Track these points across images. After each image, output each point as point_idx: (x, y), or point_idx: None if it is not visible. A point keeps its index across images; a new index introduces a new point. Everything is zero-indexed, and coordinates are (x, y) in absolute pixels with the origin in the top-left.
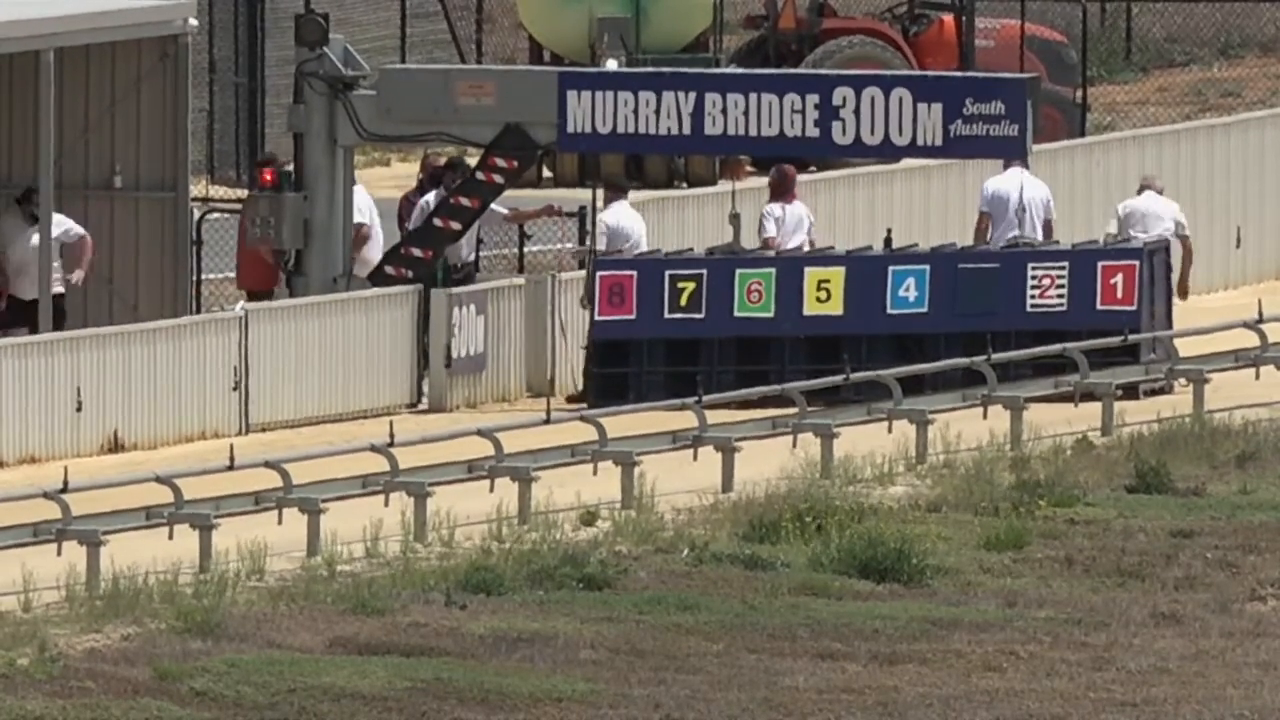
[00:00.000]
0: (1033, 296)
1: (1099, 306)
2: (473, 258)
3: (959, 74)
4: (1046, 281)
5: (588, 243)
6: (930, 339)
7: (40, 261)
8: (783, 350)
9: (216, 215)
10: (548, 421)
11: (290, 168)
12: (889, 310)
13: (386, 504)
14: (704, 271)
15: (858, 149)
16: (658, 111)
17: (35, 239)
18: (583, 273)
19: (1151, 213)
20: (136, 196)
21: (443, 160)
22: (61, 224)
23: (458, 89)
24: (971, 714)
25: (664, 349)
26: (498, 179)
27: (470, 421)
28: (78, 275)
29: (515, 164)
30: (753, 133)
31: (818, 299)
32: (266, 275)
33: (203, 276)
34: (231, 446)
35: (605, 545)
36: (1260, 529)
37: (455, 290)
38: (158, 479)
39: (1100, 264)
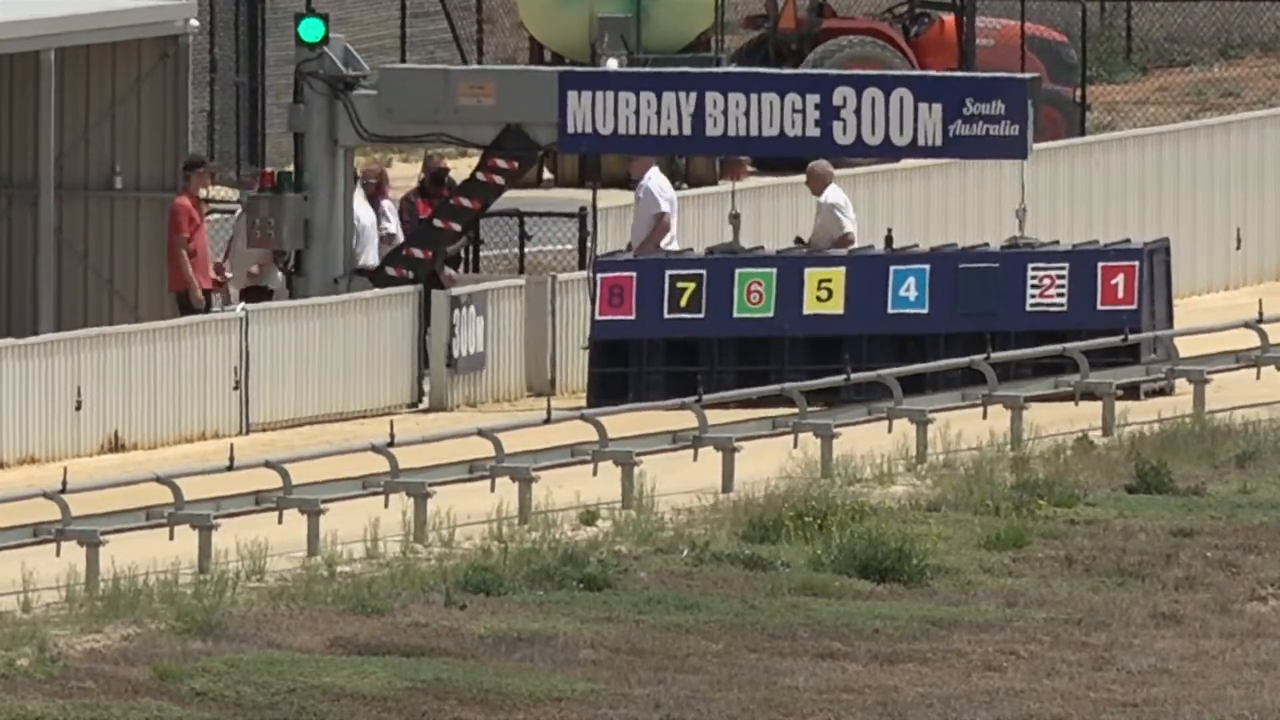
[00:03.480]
0: (1033, 296)
1: (1099, 306)
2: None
3: (959, 74)
4: (1047, 281)
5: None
6: (931, 339)
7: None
8: (783, 350)
9: (217, 215)
10: (548, 421)
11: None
12: (889, 310)
13: (386, 504)
14: (704, 272)
15: (858, 149)
16: (658, 112)
17: None
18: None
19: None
20: (137, 196)
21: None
22: None
23: (458, 89)
24: (971, 714)
25: (664, 349)
26: (498, 179)
27: (470, 421)
28: None
29: (515, 164)
30: (753, 133)
31: (818, 299)
32: (179, 279)
33: None
34: (231, 447)
35: (605, 545)
36: (1260, 529)
37: (455, 290)
38: (158, 479)
39: (1100, 264)
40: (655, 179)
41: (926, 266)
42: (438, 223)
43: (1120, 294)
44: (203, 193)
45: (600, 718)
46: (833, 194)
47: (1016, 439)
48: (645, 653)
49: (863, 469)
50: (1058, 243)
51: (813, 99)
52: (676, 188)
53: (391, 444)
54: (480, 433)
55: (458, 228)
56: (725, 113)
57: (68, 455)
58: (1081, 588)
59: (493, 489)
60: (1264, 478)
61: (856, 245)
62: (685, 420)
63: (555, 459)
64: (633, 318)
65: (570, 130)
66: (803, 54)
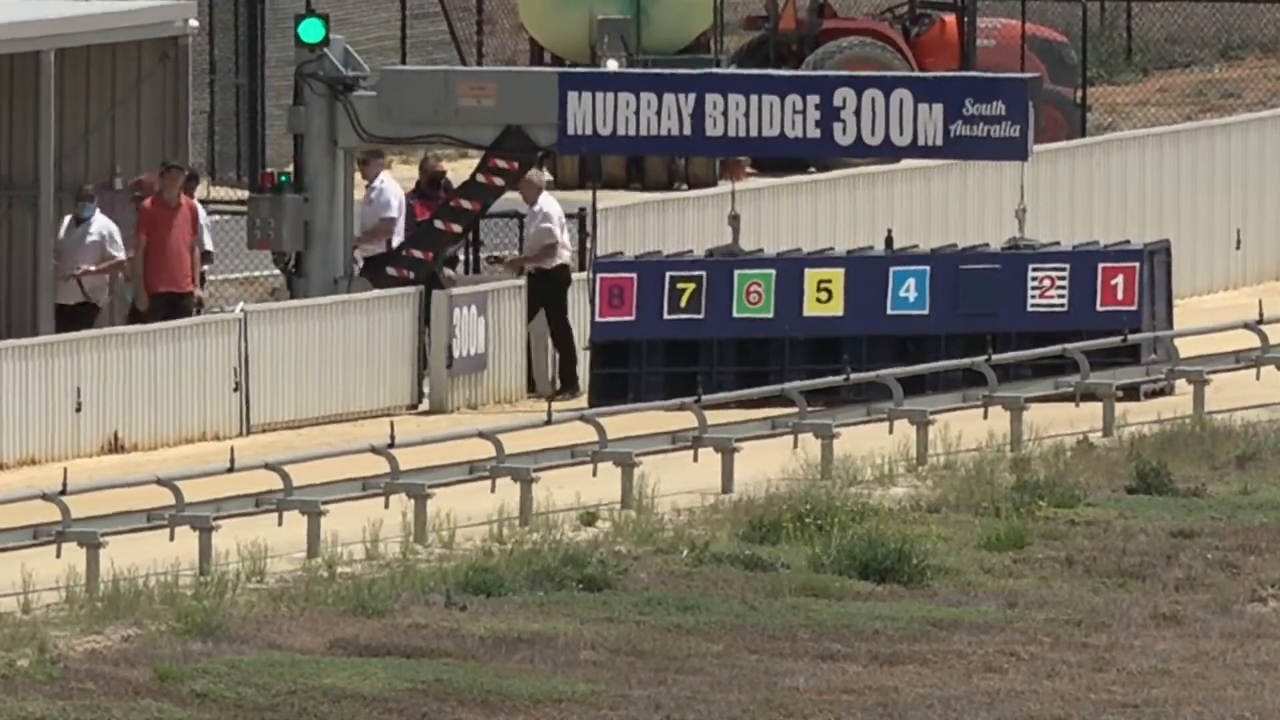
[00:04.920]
0: (1033, 297)
1: (1099, 307)
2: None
3: (960, 74)
4: (1047, 282)
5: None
6: (931, 340)
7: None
8: (783, 351)
9: (217, 217)
10: (548, 422)
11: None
12: (889, 311)
13: (387, 505)
14: (703, 273)
15: (859, 149)
16: (658, 113)
17: None
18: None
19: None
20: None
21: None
22: None
23: (458, 90)
24: (972, 715)
25: (664, 350)
26: (498, 181)
27: (471, 423)
28: None
29: (515, 165)
30: (754, 134)
31: (818, 300)
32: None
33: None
34: (232, 448)
35: (605, 546)
36: (1260, 530)
37: (456, 291)
38: (158, 481)
39: (1100, 265)
40: (388, 183)
41: (926, 267)
42: (438, 224)
43: (1120, 295)
44: (196, 195)
45: (600, 718)
46: (545, 202)
47: (1017, 440)
48: (645, 654)
49: (863, 470)
50: (1058, 243)
51: (813, 100)
52: (677, 188)
53: (392, 445)
54: (481, 434)
55: (458, 229)
56: (725, 114)
57: (68, 456)
58: (1082, 588)
59: (493, 490)
60: (1264, 478)
61: (856, 247)
62: (685, 421)
63: (555, 460)
64: (633, 319)
65: (570, 131)
66: (803, 55)
